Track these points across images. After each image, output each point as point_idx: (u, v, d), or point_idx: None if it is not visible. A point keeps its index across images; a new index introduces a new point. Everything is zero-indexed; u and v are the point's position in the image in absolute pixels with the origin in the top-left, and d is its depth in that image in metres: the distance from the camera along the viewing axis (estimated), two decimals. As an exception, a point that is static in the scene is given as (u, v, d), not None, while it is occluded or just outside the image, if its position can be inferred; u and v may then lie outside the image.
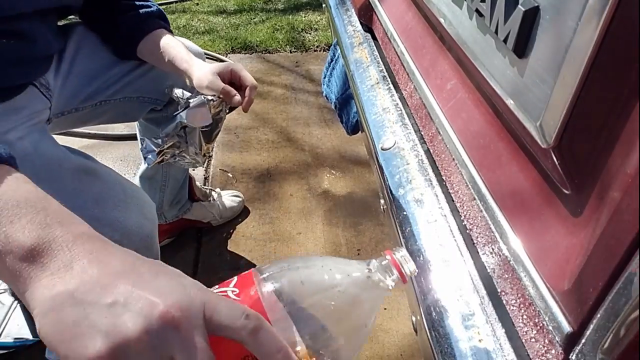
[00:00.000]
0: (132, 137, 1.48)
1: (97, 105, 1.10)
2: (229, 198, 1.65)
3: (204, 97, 0.99)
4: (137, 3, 1.07)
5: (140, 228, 0.88)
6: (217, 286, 0.42)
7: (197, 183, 1.60)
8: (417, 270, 0.47)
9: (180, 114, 1.00)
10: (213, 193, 1.63)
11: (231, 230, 1.59)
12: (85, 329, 0.33)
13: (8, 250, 0.35)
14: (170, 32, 1.09)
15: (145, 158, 1.07)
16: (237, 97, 0.99)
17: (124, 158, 1.88)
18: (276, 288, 0.41)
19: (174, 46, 1.03)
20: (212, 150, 1.05)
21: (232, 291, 0.41)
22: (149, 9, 1.07)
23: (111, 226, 0.84)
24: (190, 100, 1.00)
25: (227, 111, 1.07)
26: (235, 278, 0.43)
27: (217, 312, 0.36)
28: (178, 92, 1.02)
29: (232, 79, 1.02)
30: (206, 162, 1.88)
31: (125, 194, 0.90)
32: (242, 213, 1.65)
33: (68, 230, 0.37)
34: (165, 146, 1.03)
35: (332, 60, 1.25)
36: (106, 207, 0.85)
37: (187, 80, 1.04)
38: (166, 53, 1.02)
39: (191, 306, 0.35)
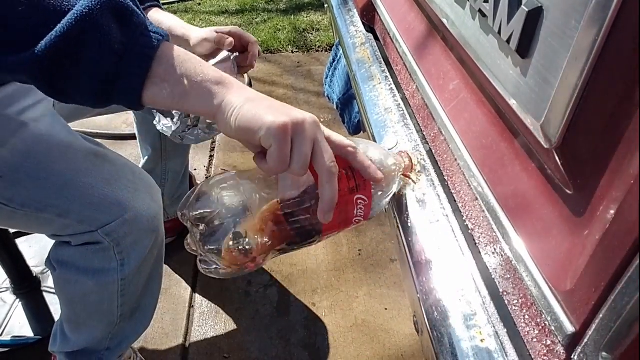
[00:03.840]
0: (133, 137, 1.48)
1: None
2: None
3: (228, 52, 0.97)
4: None
5: (148, 209, 0.89)
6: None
7: (199, 182, 1.59)
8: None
9: None
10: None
11: (232, 230, 1.59)
12: (271, 112, 0.51)
13: (206, 80, 0.54)
14: (163, 9, 1.12)
15: (161, 130, 1.03)
16: (230, 40, 0.99)
17: (126, 158, 1.89)
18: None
19: (170, 18, 1.05)
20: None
21: None
22: None
23: (120, 205, 0.85)
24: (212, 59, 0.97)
25: (237, 71, 1.04)
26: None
27: (332, 136, 0.56)
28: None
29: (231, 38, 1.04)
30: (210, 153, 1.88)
31: (134, 176, 0.91)
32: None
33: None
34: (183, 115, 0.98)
35: (334, 61, 1.25)
36: (116, 187, 0.86)
37: (185, 45, 1.03)
38: (163, 25, 1.03)
39: (318, 125, 0.54)
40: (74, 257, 0.90)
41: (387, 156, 0.64)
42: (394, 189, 0.64)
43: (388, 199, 0.63)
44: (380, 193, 0.62)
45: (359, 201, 0.59)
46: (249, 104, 0.52)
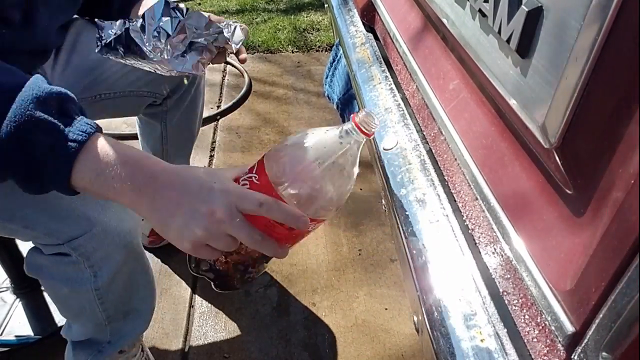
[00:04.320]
0: (134, 137, 1.48)
1: (94, 99, 1.09)
2: None
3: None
4: None
5: (120, 223, 0.86)
6: (247, 170, 0.60)
7: None
8: (377, 125, 0.58)
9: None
10: None
11: (233, 230, 1.59)
12: (180, 235, 0.56)
13: (123, 190, 0.57)
14: None
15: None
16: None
17: (126, 157, 1.89)
18: (279, 171, 0.57)
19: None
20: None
21: (255, 177, 0.58)
22: None
23: (88, 219, 0.83)
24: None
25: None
26: (256, 164, 0.59)
27: (242, 204, 0.55)
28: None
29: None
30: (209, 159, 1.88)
31: None
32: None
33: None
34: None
35: (334, 61, 1.25)
36: (85, 199, 0.80)
37: None
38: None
39: (222, 204, 0.55)
40: (46, 264, 0.88)
41: (332, 139, 0.58)
42: (355, 168, 0.60)
43: (354, 174, 0.60)
44: (338, 182, 0.59)
45: (313, 223, 0.59)
46: (155, 222, 0.58)
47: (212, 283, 0.67)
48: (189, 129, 1.36)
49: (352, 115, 0.57)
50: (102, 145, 0.58)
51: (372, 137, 0.61)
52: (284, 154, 0.59)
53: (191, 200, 0.56)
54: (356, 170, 0.60)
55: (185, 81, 1.22)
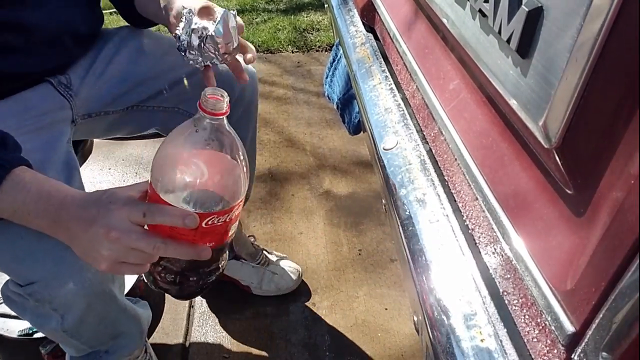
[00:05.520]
0: (134, 137, 1.48)
1: (127, 110, 1.05)
2: (283, 269, 1.40)
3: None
4: None
5: (79, 272, 0.79)
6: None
7: (244, 232, 1.40)
8: (223, 99, 0.58)
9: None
10: (267, 255, 1.41)
11: (232, 230, 1.59)
12: (90, 258, 0.62)
13: (35, 226, 0.66)
14: None
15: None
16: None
17: (126, 158, 1.89)
18: (152, 173, 0.59)
19: None
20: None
21: (148, 189, 0.61)
22: None
23: (45, 266, 0.77)
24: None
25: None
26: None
27: (132, 217, 0.59)
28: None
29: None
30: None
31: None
32: (245, 214, 1.65)
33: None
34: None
35: (334, 61, 1.25)
36: (48, 244, 0.71)
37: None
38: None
39: (118, 223, 0.58)
40: (15, 298, 0.82)
41: (187, 129, 0.58)
42: (234, 153, 0.59)
43: (238, 159, 0.60)
44: (213, 170, 0.59)
45: (210, 222, 0.59)
46: (75, 250, 0.63)
47: (173, 293, 0.68)
48: None
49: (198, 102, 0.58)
50: (19, 181, 0.63)
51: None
52: (155, 157, 0.60)
53: (92, 224, 0.59)
54: (239, 155, 0.59)
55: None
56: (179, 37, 0.80)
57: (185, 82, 1.05)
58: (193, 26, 0.78)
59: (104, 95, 1.01)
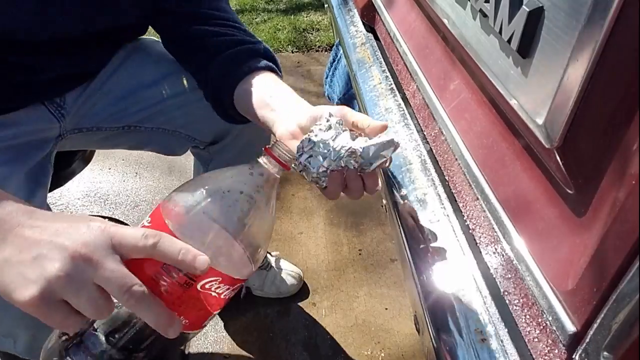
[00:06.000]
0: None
1: (123, 129, 0.97)
2: (285, 272, 1.39)
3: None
4: (232, 36, 0.80)
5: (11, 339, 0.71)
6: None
7: None
8: (293, 158, 0.53)
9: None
10: (269, 257, 1.39)
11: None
12: (20, 282, 0.42)
13: None
14: (278, 74, 0.77)
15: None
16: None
17: (126, 158, 1.89)
18: (175, 205, 0.48)
19: (269, 87, 0.72)
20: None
21: (147, 220, 0.49)
22: (251, 45, 0.78)
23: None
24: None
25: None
26: (152, 210, 0.50)
27: (123, 239, 0.44)
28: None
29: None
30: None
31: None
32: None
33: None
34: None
35: (334, 61, 1.25)
36: None
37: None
38: (255, 98, 0.71)
39: (96, 240, 0.43)
40: None
41: (241, 170, 0.51)
42: (264, 211, 0.50)
43: (270, 225, 0.51)
44: (251, 240, 0.48)
45: (207, 285, 0.47)
46: None
47: None
48: None
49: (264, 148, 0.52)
50: None
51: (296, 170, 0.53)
52: (190, 182, 0.51)
53: (53, 235, 0.43)
54: (270, 215, 0.50)
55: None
56: (315, 143, 0.57)
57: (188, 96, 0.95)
58: (342, 143, 0.56)
59: (99, 113, 0.94)
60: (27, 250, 0.43)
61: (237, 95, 0.74)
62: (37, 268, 0.42)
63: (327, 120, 0.58)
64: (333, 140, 0.56)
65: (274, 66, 0.77)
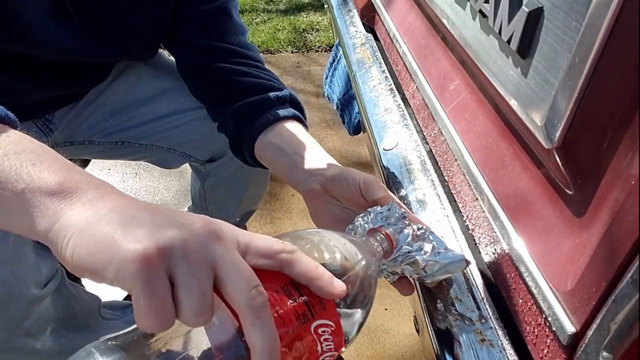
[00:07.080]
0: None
1: (116, 144, 0.94)
2: None
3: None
4: (257, 78, 0.76)
5: None
6: None
7: None
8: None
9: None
10: None
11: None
12: (126, 234, 0.33)
13: (33, 188, 0.35)
14: (304, 124, 0.75)
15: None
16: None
17: (126, 158, 1.89)
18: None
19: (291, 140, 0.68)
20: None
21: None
22: (277, 93, 0.75)
23: None
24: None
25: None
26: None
27: (252, 240, 0.37)
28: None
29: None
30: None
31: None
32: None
33: (89, 176, 0.38)
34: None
35: (334, 61, 1.25)
36: None
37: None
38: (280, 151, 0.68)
39: (225, 229, 0.36)
40: None
41: (350, 247, 0.45)
42: (373, 290, 0.45)
43: (368, 310, 0.44)
44: (352, 308, 0.42)
45: (319, 330, 0.39)
46: (96, 225, 0.33)
47: None
48: (231, 201, 1.13)
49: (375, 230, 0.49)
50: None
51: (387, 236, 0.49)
52: (307, 230, 0.45)
53: (157, 219, 0.35)
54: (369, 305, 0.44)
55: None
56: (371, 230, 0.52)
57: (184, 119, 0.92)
58: (405, 244, 0.51)
59: (91, 127, 0.90)
60: (148, 210, 0.35)
61: (258, 147, 0.71)
62: (159, 224, 0.34)
63: (390, 210, 0.53)
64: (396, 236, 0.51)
65: (300, 114, 0.75)
